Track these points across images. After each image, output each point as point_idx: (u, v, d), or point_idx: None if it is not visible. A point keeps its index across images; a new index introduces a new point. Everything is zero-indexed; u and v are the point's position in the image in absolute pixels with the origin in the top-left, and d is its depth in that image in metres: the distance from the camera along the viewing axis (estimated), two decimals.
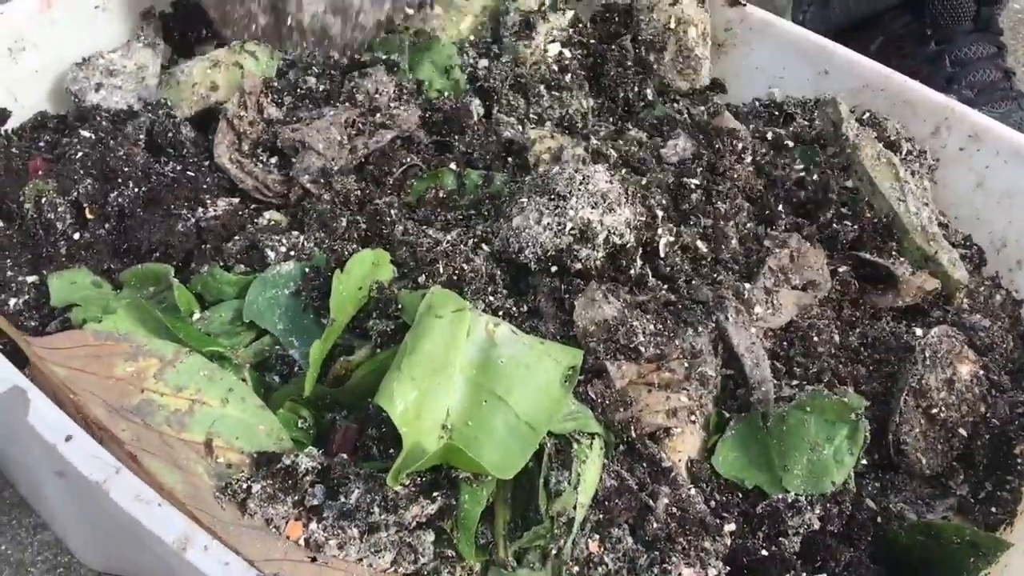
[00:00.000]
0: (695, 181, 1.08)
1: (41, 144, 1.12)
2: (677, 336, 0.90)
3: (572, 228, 0.92)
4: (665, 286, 0.97)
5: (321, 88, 1.15)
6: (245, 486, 0.75)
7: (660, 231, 1.00)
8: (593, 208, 0.92)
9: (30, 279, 0.96)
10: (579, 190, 0.93)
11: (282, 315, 0.88)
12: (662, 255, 0.98)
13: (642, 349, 0.87)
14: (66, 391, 0.83)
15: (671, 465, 0.86)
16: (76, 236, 0.99)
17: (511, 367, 0.81)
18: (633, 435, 0.87)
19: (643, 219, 0.94)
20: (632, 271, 0.95)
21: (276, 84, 1.17)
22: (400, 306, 0.86)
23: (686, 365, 0.89)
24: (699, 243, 1.03)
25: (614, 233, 0.92)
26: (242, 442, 0.81)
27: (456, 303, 0.83)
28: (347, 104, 1.10)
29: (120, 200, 1.00)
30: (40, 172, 1.05)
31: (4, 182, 1.04)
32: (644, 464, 0.86)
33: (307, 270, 0.90)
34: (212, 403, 0.83)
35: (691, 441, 0.91)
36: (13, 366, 0.80)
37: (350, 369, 0.85)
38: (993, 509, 0.96)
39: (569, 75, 1.31)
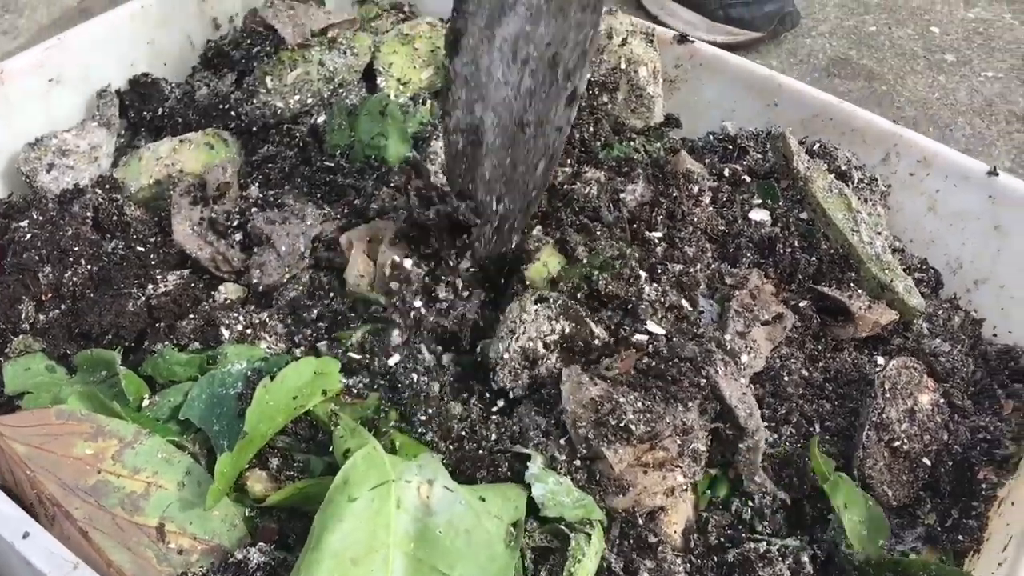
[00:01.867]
0: (658, 234, 1.09)
1: None
2: (667, 412, 0.89)
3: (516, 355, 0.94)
4: (649, 346, 0.97)
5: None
6: None
7: (645, 289, 1.01)
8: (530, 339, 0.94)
9: None
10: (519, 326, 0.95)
11: (220, 416, 0.86)
12: (642, 318, 0.98)
13: (632, 428, 0.86)
14: (23, 467, 0.83)
15: (657, 540, 0.87)
16: (30, 321, 0.98)
17: (451, 536, 0.77)
18: (638, 520, 0.87)
19: (575, 330, 0.95)
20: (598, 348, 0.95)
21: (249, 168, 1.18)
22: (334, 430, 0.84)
23: (679, 442, 0.89)
24: (683, 302, 1.02)
25: (548, 349, 0.94)
26: (195, 527, 0.81)
27: (377, 476, 0.78)
28: (332, 210, 1.09)
29: (74, 280, 0.99)
30: None
31: None
32: (630, 540, 0.87)
33: (249, 374, 0.88)
34: (168, 486, 0.83)
35: (684, 511, 0.92)
36: None
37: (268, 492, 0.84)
38: (960, 537, 0.96)
39: None
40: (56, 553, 0.74)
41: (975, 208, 1.18)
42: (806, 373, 1.04)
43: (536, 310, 0.95)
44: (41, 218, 1.06)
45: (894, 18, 2.37)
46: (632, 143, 1.34)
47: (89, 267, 1.01)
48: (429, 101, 1.31)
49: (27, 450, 0.83)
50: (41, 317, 0.99)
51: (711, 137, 1.35)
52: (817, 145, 1.25)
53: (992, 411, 1.09)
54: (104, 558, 0.77)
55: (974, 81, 2.16)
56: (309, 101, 1.29)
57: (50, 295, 1.00)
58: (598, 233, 1.11)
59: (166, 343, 0.95)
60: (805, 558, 0.90)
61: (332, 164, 1.16)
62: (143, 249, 1.03)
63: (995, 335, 1.20)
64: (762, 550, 0.88)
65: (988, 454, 1.01)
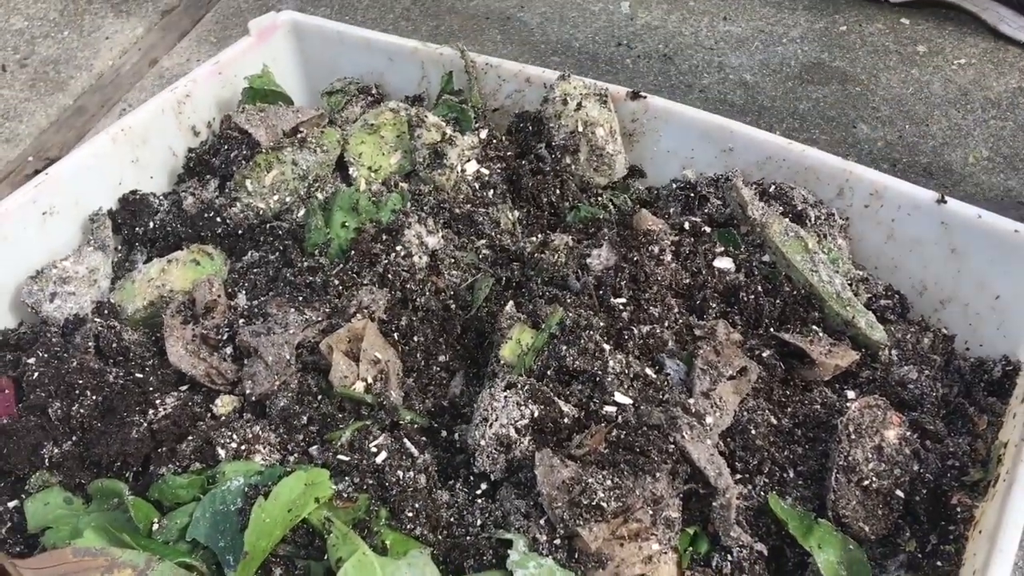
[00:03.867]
0: (622, 300, 1.14)
1: (7, 359, 1.20)
2: (637, 486, 0.94)
3: (491, 441, 1.00)
4: (618, 417, 1.02)
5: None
6: None
7: (610, 362, 1.06)
8: (502, 425, 0.99)
9: (11, 504, 1.04)
10: (491, 413, 1.01)
11: (224, 533, 0.93)
12: (609, 390, 1.03)
13: (604, 505, 0.91)
14: None
15: None
16: (47, 456, 1.06)
17: None
18: None
19: (544, 411, 1.00)
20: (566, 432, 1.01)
21: (235, 275, 1.25)
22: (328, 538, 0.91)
23: (651, 512, 0.94)
24: (647, 369, 1.07)
25: (520, 433, 0.99)
26: None
27: None
28: (314, 315, 1.15)
29: (81, 412, 1.07)
30: (5, 391, 1.13)
31: None
32: None
33: (246, 490, 0.95)
34: None
35: (667, 572, 0.96)
36: None
37: None
38: (939, 563, 1.00)
39: (491, 190, 1.38)
40: None
41: (930, 234, 1.22)
42: (775, 421, 1.08)
43: (506, 396, 1.01)
44: (47, 354, 1.13)
45: (864, 14, 2.40)
46: (599, 199, 1.40)
47: (94, 397, 1.08)
48: (401, 185, 1.37)
49: None
50: (56, 450, 1.06)
51: (674, 185, 1.39)
52: (773, 187, 1.29)
53: (966, 431, 1.13)
54: None
55: (947, 71, 2.18)
56: (288, 199, 1.36)
57: (62, 430, 1.08)
58: (568, 301, 1.16)
59: (169, 466, 1.01)
60: None
61: (312, 264, 1.22)
62: (141, 375, 1.11)
63: (968, 349, 1.24)
64: None
65: (959, 480, 1.05)
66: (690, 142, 1.38)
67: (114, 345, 1.15)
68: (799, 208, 1.26)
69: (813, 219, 1.26)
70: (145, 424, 1.05)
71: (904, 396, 1.14)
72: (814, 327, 1.17)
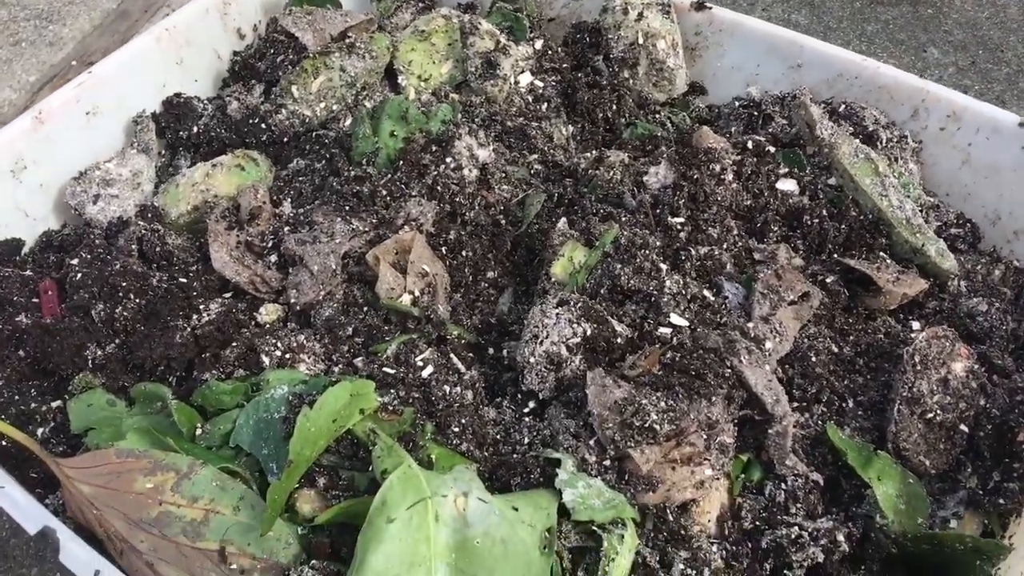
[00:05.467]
0: (679, 220, 1.09)
1: (51, 260, 1.18)
2: (691, 409, 0.91)
3: (541, 359, 0.97)
4: (673, 339, 0.98)
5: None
6: None
7: (666, 282, 1.02)
8: (553, 343, 0.96)
9: (55, 405, 1.03)
10: (541, 330, 0.97)
11: (268, 440, 0.91)
12: (665, 311, 0.99)
13: (657, 427, 0.89)
14: (90, 507, 0.90)
15: (691, 533, 0.90)
16: (90, 357, 1.04)
17: (487, 546, 0.81)
18: (668, 516, 0.90)
19: (597, 331, 0.96)
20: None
21: (280, 183, 1.22)
22: (373, 450, 0.89)
23: (704, 437, 0.91)
24: (705, 291, 1.03)
25: (572, 352, 0.96)
26: (254, 548, 0.86)
27: (414, 494, 0.82)
28: (360, 224, 1.12)
29: (124, 315, 1.05)
30: (49, 292, 1.11)
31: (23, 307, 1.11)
32: (664, 534, 0.90)
33: (291, 398, 0.93)
34: (225, 511, 0.88)
35: (718, 498, 0.94)
36: (44, 508, 0.87)
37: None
38: (1001, 500, 0.97)
39: (545, 104, 1.33)
40: None
41: (1009, 160, 1.15)
42: (836, 349, 1.04)
43: (557, 313, 0.97)
44: (90, 256, 1.12)
45: None
46: (657, 116, 1.34)
47: (138, 300, 1.06)
48: (452, 96, 1.33)
49: (92, 490, 0.89)
50: (98, 352, 1.05)
51: (736, 103, 1.33)
52: (843, 107, 1.23)
53: None
54: None
55: None
56: (335, 107, 1.31)
57: (104, 331, 1.06)
58: (623, 220, 1.12)
59: (212, 372, 1.00)
60: (840, 537, 0.92)
61: (360, 173, 1.19)
62: (185, 280, 1.08)
63: None
64: (794, 535, 0.90)
65: None
66: (756, 57, 1.31)
67: (158, 249, 1.13)
68: (870, 129, 1.20)
69: (884, 141, 1.19)
70: (189, 329, 1.03)
71: (972, 329, 1.09)
72: (881, 254, 1.11)
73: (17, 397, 1.02)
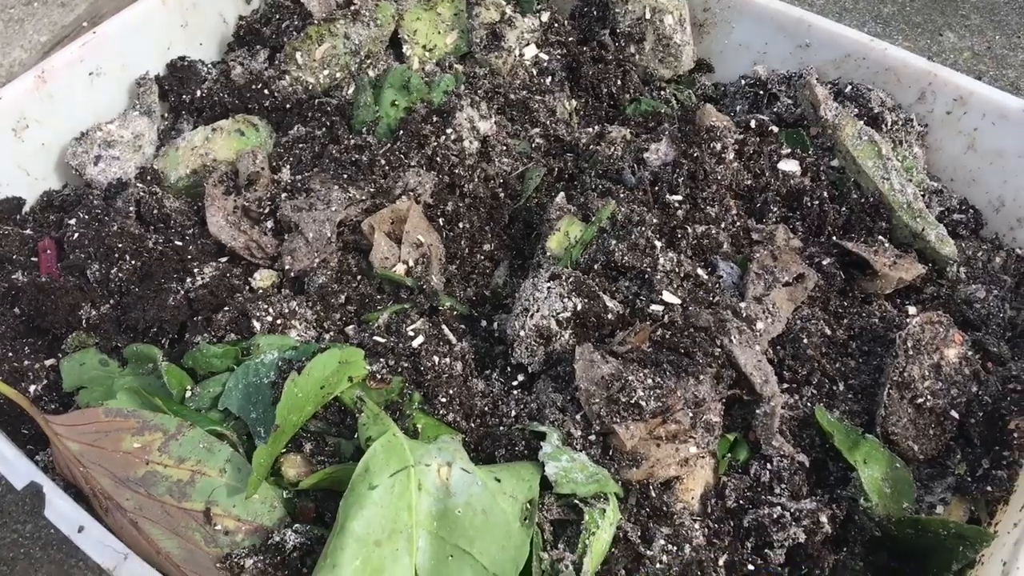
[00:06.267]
0: (678, 198, 1.09)
1: (51, 219, 1.19)
2: (679, 387, 0.91)
3: (531, 333, 0.96)
4: (664, 317, 0.98)
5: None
6: (240, 562, 0.82)
7: (660, 259, 1.01)
8: (543, 317, 0.96)
9: (48, 363, 1.04)
10: (532, 304, 0.97)
11: (256, 404, 0.92)
12: (657, 288, 0.99)
13: (643, 404, 0.89)
14: (78, 464, 0.91)
15: (673, 510, 0.90)
16: (85, 317, 1.05)
17: (469, 516, 0.81)
18: (651, 492, 0.90)
19: (588, 306, 0.96)
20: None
21: (280, 149, 1.21)
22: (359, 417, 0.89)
23: (691, 415, 0.91)
24: (699, 270, 1.03)
25: (562, 326, 0.96)
26: (239, 510, 0.87)
27: (397, 462, 0.82)
28: (357, 193, 1.11)
29: (119, 275, 1.06)
30: (48, 252, 1.12)
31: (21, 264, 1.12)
32: (646, 509, 0.90)
33: (280, 364, 0.93)
34: (211, 473, 0.89)
35: (703, 476, 0.94)
36: (31, 462, 0.88)
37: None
38: (989, 488, 0.96)
39: (549, 77, 1.32)
40: (108, 545, 0.81)
41: (1015, 146, 1.14)
42: (829, 332, 1.03)
43: (549, 287, 0.97)
44: (87, 216, 1.12)
45: None
46: (662, 93, 1.33)
47: (133, 262, 1.07)
48: (456, 66, 1.32)
49: (80, 447, 0.90)
50: (93, 312, 1.06)
51: (743, 81, 1.32)
52: (849, 87, 1.21)
53: None
54: (153, 546, 0.85)
55: None
56: (338, 75, 1.31)
57: (100, 292, 1.07)
58: (621, 196, 1.11)
59: (204, 335, 1.00)
60: (823, 518, 0.92)
61: (359, 141, 1.18)
62: (181, 243, 1.09)
63: None
64: (776, 515, 0.90)
65: (1019, 404, 1.00)
66: (764, 36, 1.30)
67: (155, 211, 1.13)
68: (875, 111, 1.19)
69: (890, 124, 1.18)
70: (182, 292, 1.03)
71: (969, 315, 1.08)
72: (880, 237, 1.10)
73: (11, 354, 1.03)
